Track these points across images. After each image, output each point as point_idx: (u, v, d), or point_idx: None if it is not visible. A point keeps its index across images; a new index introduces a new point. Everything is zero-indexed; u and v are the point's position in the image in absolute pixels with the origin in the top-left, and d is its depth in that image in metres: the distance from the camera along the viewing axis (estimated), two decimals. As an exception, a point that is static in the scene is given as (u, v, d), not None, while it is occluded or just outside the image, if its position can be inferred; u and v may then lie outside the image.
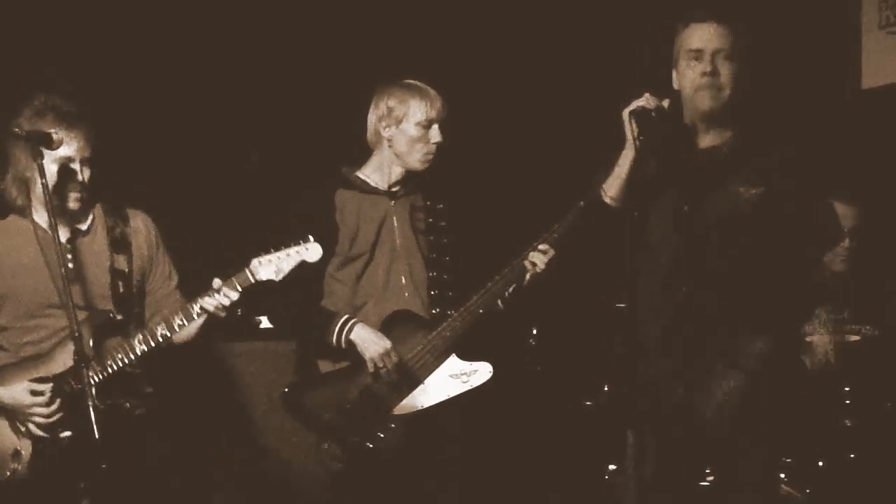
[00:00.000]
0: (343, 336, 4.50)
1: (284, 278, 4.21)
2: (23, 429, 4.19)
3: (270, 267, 4.20)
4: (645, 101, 4.15)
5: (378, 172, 4.67)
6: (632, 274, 4.05)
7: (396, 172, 4.65)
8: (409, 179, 4.66)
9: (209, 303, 4.20)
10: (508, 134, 5.85)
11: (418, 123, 4.58)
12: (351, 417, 4.51)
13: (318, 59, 5.89)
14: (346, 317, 4.52)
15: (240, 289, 4.21)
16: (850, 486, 4.80)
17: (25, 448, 4.19)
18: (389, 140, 4.62)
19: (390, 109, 4.60)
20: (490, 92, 5.81)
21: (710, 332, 4.12)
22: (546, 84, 6.02)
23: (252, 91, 5.85)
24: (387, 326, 4.56)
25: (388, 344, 4.50)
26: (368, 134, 4.69)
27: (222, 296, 4.19)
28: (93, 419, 3.83)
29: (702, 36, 4.19)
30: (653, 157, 4.24)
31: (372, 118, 4.66)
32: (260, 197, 5.45)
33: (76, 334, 3.95)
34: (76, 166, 4.22)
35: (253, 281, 4.20)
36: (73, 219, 4.33)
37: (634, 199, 4.17)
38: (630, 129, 4.13)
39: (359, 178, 4.67)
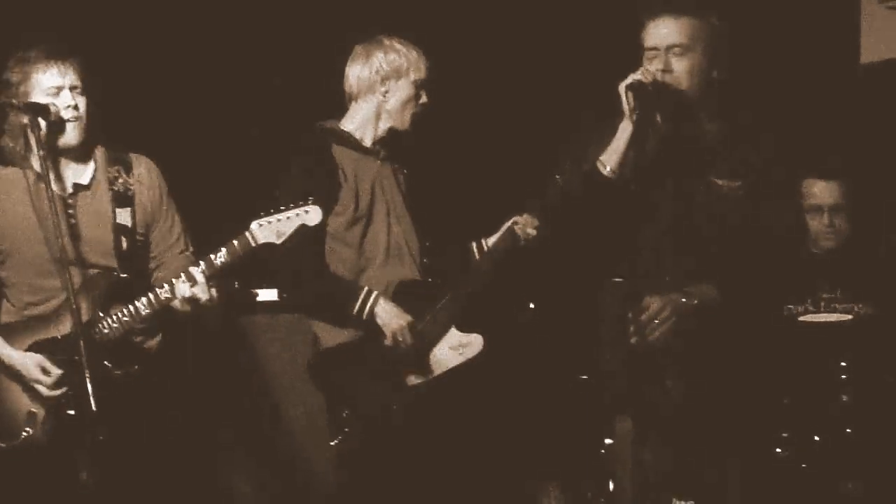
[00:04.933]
0: (367, 309, 4.50)
1: (285, 241, 4.19)
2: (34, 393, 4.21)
3: (271, 229, 4.17)
4: (641, 74, 4.16)
5: (363, 128, 4.66)
6: (631, 248, 4.09)
7: (382, 129, 4.66)
8: (390, 139, 4.67)
9: (214, 264, 4.19)
10: (470, 98, 5.82)
11: (415, 82, 4.61)
12: (368, 389, 4.53)
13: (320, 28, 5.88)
14: (367, 289, 4.52)
15: (241, 252, 4.19)
16: (846, 461, 4.81)
17: (39, 411, 4.21)
18: (385, 94, 4.61)
19: (392, 62, 4.60)
20: (456, 54, 5.76)
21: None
22: (511, 45, 6.01)
23: (253, 64, 5.84)
24: (398, 296, 4.58)
25: (409, 318, 4.52)
26: (354, 86, 4.67)
27: (186, 286, 4.17)
28: (90, 391, 3.84)
29: (656, 33, 4.25)
30: (651, 132, 4.26)
31: (364, 70, 4.63)
32: (260, 168, 5.41)
33: (73, 306, 3.97)
34: (66, 94, 4.22)
35: (254, 245, 4.18)
36: (74, 171, 4.32)
37: (633, 173, 4.19)
38: (626, 103, 4.13)
39: (350, 134, 4.65)
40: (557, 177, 4.57)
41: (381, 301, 4.52)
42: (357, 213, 4.57)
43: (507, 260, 4.68)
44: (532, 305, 5.65)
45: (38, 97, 4.20)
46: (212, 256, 4.19)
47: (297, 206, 4.18)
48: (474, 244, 4.78)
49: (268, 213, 4.18)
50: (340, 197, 4.56)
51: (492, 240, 4.76)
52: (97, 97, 4.33)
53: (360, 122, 4.66)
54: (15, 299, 4.34)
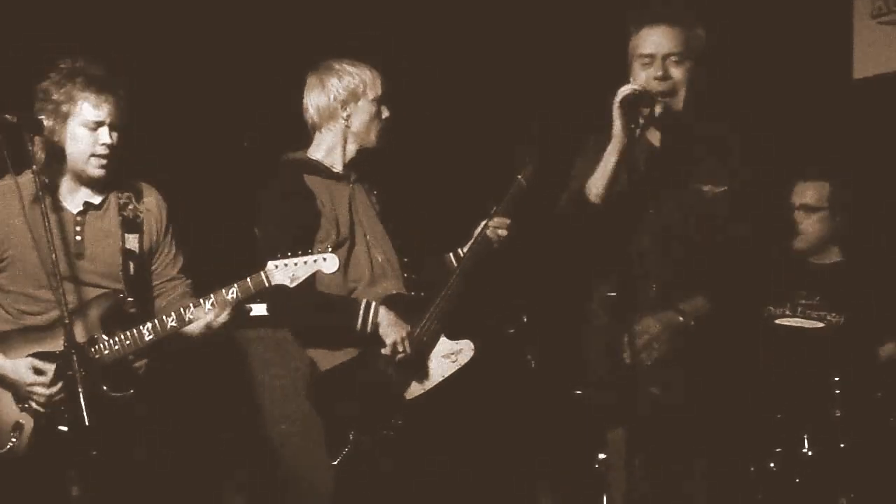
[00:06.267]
0: (370, 320, 4.50)
1: (297, 286, 4.21)
2: (26, 404, 4.18)
3: (286, 272, 4.18)
4: (632, 87, 4.18)
5: (331, 155, 4.66)
6: (620, 258, 4.12)
7: (351, 151, 4.66)
8: (360, 160, 4.68)
9: (225, 299, 4.19)
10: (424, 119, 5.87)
11: (375, 99, 4.62)
12: (370, 408, 4.52)
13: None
14: (364, 301, 4.52)
15: (253, 290, 4.20)
16: (838, 476, 4.81)
17: (27, 422, 4.18)
18: (347, 118, 4.62)
19: (348, 86, 4.61)
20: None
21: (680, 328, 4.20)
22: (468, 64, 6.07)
23: (245, 75, 5.85)
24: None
25: (408, 327, 4.52)
26: (315, 115, 4.66)
27: (212, 313, 4.18)
28: (83, 406, 3.83)
29: (653, 40, 4.26)
30: (642, 145, 4.29)
31: (322, 98, 4.64)
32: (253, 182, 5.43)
33: (66, 321, 3.96)
34: (104, 131, 4.21)
35: (267, 285, 4.19)
36: (88, 189, 4.32)
37: (624, 186, 4.21)
38: (622, 119, 4.15)
39: (319, 162, 4.66)
40: (519, 177, 4.70)
41: (382, 311, 4.52)
42: (339, 239, 4.58)
43: (485, 264, 4.70)
44: (525, 319, 5.66)
45: (75, 123, 4.20)
46: (223, 291, 4.20)
47: (315, 253, 4.21)
48: (451, 255, 4.81)
49: (285, 256, 4.19)
50: (321, 225, 4.56)
51: (466, 248, 4.78)
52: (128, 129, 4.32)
53: (328, 149, 4.67)
54: (10, 308, 4.32)
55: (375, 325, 4.50)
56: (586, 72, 5.59)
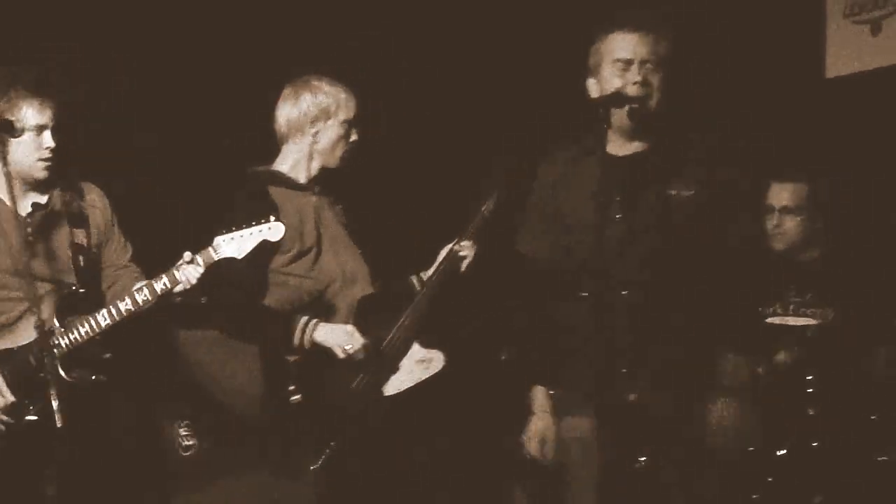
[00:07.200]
0: (306, 337, 4.52)
1: (246, 256, 4.27)
2: None
3: (233, 245, 4.26)
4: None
5: (296, 169, 4.71)
6: (591, 263, 4.12)
7: (315, 168, 4.71)
8: (323, 177, 4.73)
9: (176, 278, 4.26)
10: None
11: (345, 121, 4.67)
12: (354, 399, 4.56)
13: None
14: (304, 319, 4.55)
15: (202, 266, 4.25)
16: (812, 475, 4.82)
17: None
18: (315, 135, 4.66)
19: (320, 104, 4.66)
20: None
21: (654, 336, 4.18)
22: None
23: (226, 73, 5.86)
24: (361, 313, 4.62)
25: (348, 327, 4.54)
26: (284, 127, 4.72)
27: (192, 268, 4.24)
28: (55, 407, 3.86)
29: (628, 46, 4.21)
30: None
31: (294, 111, 4.69)
32: (228, 178, 5.45)
33: (38, 322, 3.99)
34: (47, 134, 4.31)
35: (216, 258, 4.26)
36: (34, 191, 4.40)
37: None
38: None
39: (284, 174, 4.70)
40: (483, 208, 4.73)
41: (320, 326, 4.54)
42: (302, 248, 4.62)
43: (451, 287, 4.72)
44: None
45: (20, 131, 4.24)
46: (173, 270, 4.27)
47: (259, 223, 4.26)
48: (413, 278, 4.82)
49: (229, 230, 4.25)
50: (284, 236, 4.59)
51: (430, 271, 4.78)
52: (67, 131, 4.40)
53: (293, 162, 4.71)
54: None
55: (313, 341, 4.52)
56: (558, 100, 5.61)
